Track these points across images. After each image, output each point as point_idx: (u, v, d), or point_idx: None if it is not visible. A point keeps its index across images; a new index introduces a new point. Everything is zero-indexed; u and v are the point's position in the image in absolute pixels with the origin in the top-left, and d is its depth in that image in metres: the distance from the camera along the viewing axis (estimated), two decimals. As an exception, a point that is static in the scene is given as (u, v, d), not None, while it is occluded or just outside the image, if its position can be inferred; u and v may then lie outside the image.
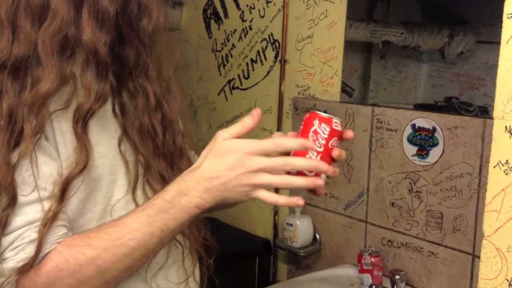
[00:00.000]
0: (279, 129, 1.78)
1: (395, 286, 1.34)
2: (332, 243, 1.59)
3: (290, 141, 0.75)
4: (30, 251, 0.70)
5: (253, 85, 1.88)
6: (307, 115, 0.78)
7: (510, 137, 0.82)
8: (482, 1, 1.70)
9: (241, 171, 0.72)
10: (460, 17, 1.82)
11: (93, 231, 0.74)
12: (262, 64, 1.84)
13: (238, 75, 1.93)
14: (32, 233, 0.71)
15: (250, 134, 2.08)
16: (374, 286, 1.33)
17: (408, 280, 1.36)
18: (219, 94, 2.01)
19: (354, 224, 1.52)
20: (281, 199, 0.74)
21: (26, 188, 0.70)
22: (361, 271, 1.40)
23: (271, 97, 1.80)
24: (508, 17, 0.83)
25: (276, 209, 1.77)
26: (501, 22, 0.85)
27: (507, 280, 0.82)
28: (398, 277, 1.34)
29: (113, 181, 0.79)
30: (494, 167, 0.84)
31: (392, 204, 1.42)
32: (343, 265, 1.52)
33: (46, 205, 0.72)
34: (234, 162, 0.72)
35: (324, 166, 0.74)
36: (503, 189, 0.83)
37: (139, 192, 0.81)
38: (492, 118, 1.22)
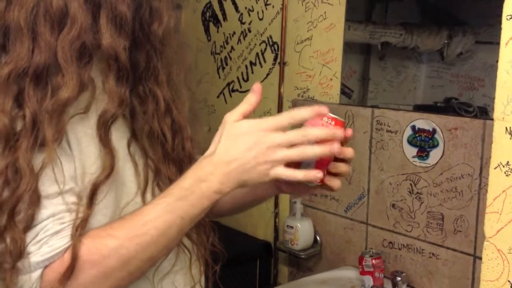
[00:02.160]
0: (278, 131, 1.77)
1: (396, 288, 1.34)
2: (333, 245, 1.58)
3: (303, 110, 0.73)
4: (53, 243, 0.70)
5: (253, 88, 1.88)
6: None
7: (510, 138, 0.82)
8: (481, 2, 1.70)
9: (260, 150, 0.71)
10: (458, 18, 1.82)
11: (115, 222, 0.74)
12: (261, 67, 1.84)
13: (238, 78, 1.93)
14: (55, 226, 0.71)
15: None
16: (375, 288, 1.33)
17: (409, 282, 1.36)
18: (218, 96, 2.01)
19: (355, 226, 1.51)
20: (300, 174, 0.73)
21: (46, 182, 0.71)
22: (362, 273, 1.40)
23: (270, 99, 1.80)
24: (507, 19, 0.83)
25: (276, 211, 1.77)
26: (499, 23, 0.85)
27: (509, 281, 0.82)
28: (399, 278, 1.34)
29: (122, 183, 0.79)
30: (494, 168, 0.84)
31: (393, 205, 1.42)
32: (344, 267, 1.52)
33: (68, 198, 0.72)
34: (252, 142, 0.72)
35: (340, 132, 0.74)
36: (504, 191, 0.82)
37: (148, 195, 0.81)
38: (492, 119, 1.23)
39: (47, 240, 0.70)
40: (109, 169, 0.74)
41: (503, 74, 0.83)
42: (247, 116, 0.75)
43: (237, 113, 0.75)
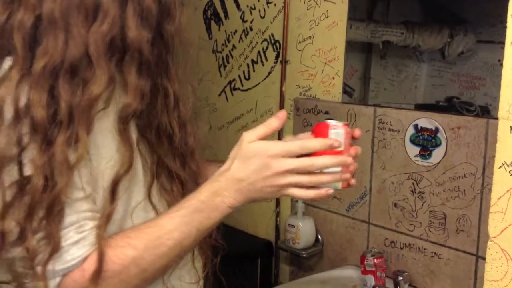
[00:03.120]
0: (280, 130, 1.76)
1: (398, 287, 1.34)
2: (335, 244, 1.58)
3: (314, 142, 0.78)
4: (73, 252, 0.70)
5: (254, 86, 1.87)
6: (316, 125, 0.82)
7: (515, 137, 0.81)
8: (482, 1, 1.70)
9: (268, 173, 0.76)
10: (460, 16, 1.82)
11: (131, 232, 0.76)
12: (263, 65, 1.83)
13: (239, 76, 1.93)
14: (76, 234, 0.71)
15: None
16: (377, 287, 1.32)
17: (411, 281, 1.36)
18: (219, 95, 2.01)
19: (357, 225, 1.51)
20: (310, 193, 0.78)
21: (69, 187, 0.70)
22: (364, 272, 1.40)
23: (272, 98, 1.80)
24: (512, 17, 0.83)
25: (278, 210, 1.76)
26: (501, 22, 0.85)
27: (513, 281, 0.81)
28: (401, 278, 1.34)
29: (130, 181, 0.78)
30: (499, 168, 0.83)
31: (395, 205, 1.42)
32: (345, 267, 1.51)
33: (87, 204, 0.72)
34: (259, 165, 0.76)
35: (349, 159, 0.79)
36: (508, 190, 0.82)
37: (154, 191, 0.81)
38: (495, 118, 1.22)
39: (68, 248, 0.70)
40: (128, 164, 0.74)
41: (508, 72, 0.82)
42: (264, 138, 0.78)
43: (254, 135, 0.78)
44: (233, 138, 1.96)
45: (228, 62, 1.97)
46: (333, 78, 1.62)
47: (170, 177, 0.83)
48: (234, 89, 1.95)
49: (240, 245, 1.77)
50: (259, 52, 1.84)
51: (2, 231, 0.67)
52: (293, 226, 1.58)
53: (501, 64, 1.72)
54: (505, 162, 0.82)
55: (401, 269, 1.37)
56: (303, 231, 1.58)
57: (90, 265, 0.71)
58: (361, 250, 1.45)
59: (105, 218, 0.73)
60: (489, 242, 0.85)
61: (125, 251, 0.73)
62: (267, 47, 1.81)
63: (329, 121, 0.81)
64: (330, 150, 0.78)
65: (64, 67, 0.68)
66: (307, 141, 0.78)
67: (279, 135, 1.76)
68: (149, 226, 0.76)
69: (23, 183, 0.67)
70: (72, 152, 0.68)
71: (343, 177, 0.79)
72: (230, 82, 1.96)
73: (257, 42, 1.85)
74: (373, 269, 1.38)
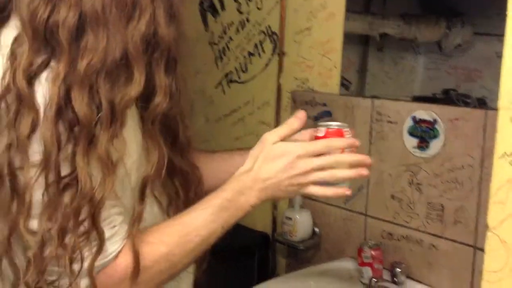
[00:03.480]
0: (277, 122, 1.77)
1: (395, 279, 1.34)
2: (332, 237, 1.58)
3: (339, 141, 0.85)
4: (106, 248, 0.71)
5: (251, 78, 1.86)
6: (327, 131, 0.86)
7: (515, 127, 0.81)
8: (479, -7, 1.69)
9: (294, 173, 0.81)
10: (457, 9, 1.81)
11: (161, 228, 0.77)
12: (260, 57, 1.82)
13: (236, 68, 1.92)
14: (108, 230, 0.71)
15: (249, 128, 2.04)
16: (374, 279, 1.32)
17: (408, 273, 1.35)
18: (216, 87, 2.00)
19: (354, 217, 1.51)
20: (329, 191, 0.84)
21: None
22: (361, 264, 1.40)
23: (269, 90, 1.79)
24: (513, 6, 0.82)
25: (275, 203, 1.76)
26: (497, 14, 0.84)
27: (512, 272, 0.81)
28: (398, 270, 1.34)
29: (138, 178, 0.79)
30: (499, 158, 0.83)
31: (392, 196, 1.41)
32: (342, 259, 1.51)
33: (112, 201, 0.72)
34: (286, 165, 0.81)
35: (368, 159, 0.86)
36: (508, 180, 0.82)
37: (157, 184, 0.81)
38: (494, 109, 1.22)
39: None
40: (160, 164, 0.74)
41: (508, 62, 0.82)
42: (285, 139, 0.83)
43: (277, 135, 0.83)
44: (230, 131, 1.96)
45: (224, 54, 1.96)
46: (330, 70, 1.61)
47: (172, 170, 0.83)
48: (231, 81, 1.94)
49: (237, 237, 1.74)
50: (256, 44, 1.83)
51: (42, 229, 0.66)
52: (290, 218, 1.58)
53: (498, 57, 1.71)
54: (505, 153, 0.82)
55: (399, 261, 1.36)
56: (300, 224, 1.58)
57: (124, 260, 0.72)
58: (358, 242, 1.44)
59: (137, 217, 0.74)
60: (489, 233, 0.85)
61: (157, 247, 0.75)
62: (264, 39, 1.80)
63: (337, 123, 0.88)
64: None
65: (105, 66, 0.67)
66: (332, 140, 0.84)
67: (276, 126, 1.76)
68: (178, 223, 0.78)
69: (66, 181, 0.66)
70: (113, 150, 0.68)
71: (361, 173, 0.84)
72: (226, 75, 1.95)
73: (254, 34, 1.84)
74: (371, 261, 1.38)
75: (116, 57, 0.68)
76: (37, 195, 0.66)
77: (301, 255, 1.65)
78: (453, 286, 1.29)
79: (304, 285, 1.42)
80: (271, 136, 0.83)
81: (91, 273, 0.69)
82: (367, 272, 1.38)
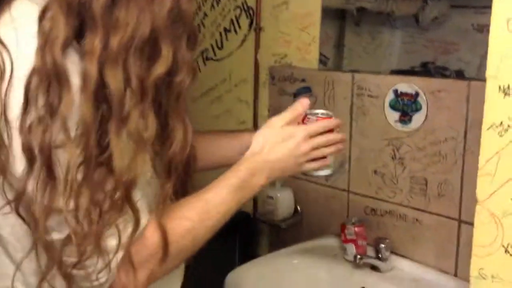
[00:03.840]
0: (256, 99, 1.73)
1: (379, 255, 1.32)
2: (314, 215, 1.55)
3: (333, 121, 0.97)
4: (131, 224, 0.69)
5: (227, 55, 1.81)
6: (318, 118, 0.97)
7: (504, 97, 0.78)
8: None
9: (299, 153, 0.91)
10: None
11: (183, 205, 0.78)
12: (236, 33, 1.77)
13: (211, 45, 1.86)
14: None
15: (227, 106, 1.98)
16: (358, 256, 1.30)
17: (392, 248, 1.34)
18: (191, 65, 1.94)
19: (336, 194, 1.49)
20: (316, 165, 0.96)
21: None
22: (345, 241, 1.38)
23: (246, 66, 1.74)
24: (501, -29, 0.79)
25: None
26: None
27: (503, 246, 0.79)
28: (382, 245, 1.32)
29: None
30: (487, 129, 0.80)
31: (375, 172, 1.39)
32: (326, 236, 1.49)
33: None
34: (293, 147, 0.91)
35: (344, 137, 1.01)
36: (497, 152, 0.79)
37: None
38: (477, 80, 1.20)
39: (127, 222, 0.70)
40: (187, 140, 0.73)
41: (496, 29, 0.79)
42: (292, 122, 0.93)
43: (283, 120, 0.93)
44: (207, 109, 1.91)
45: (199, 31, 1.90)
46: (309, 44, 1.57)
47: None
48: (207, 59, 1.88)
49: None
50: (231, 19, 1.78)
51: (77, 208, 0.64)
52: (272, 197, 1.55)
53: (475, 29, 1.68)
54: (494, 123, 0.80)
55: (383, 237, 1.35)
56: (281, 202, 1.55)
57: (151, 236, 0.72)
58: (341, 219, 1.43)
59: (165, 194, 0.73)
60: (478, 206, 0.83)
61: (182, 222, 0.77)
62: (240, 14, 1.75)
63: (322, 111, 0.98)
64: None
65: (136, 41, 0.66)
66: (327, 121, 0.96)
67: (254, 103, 1.72)
68: (199, 199, 0.80)
69: (101, 159, 0.65)
70: (143, 127, 0.67)
71: (341, 148, 0.98)
72: (202, 52, 1.89)
73: (229, 10, 1.78)
74: (354, 237, 1.36)
75: (146, 32, 0.66)
76: (72, 174, 0.64)
77: (284, 234, 1.62)
78: (438, 260, 1.28)
79: (287, 264, 1.40)
80: (279, 120, 0.92)
81: (127, 249, 0.69)
82: (351, 249, 1.36)
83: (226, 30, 1.80)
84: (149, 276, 0.73)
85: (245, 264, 1.38)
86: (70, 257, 0.66)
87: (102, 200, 0.65)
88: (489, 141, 0.80)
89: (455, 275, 1.24)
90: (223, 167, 0.92)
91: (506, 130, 0.78)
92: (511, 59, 0.77)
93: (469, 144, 1.20)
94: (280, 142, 0.90)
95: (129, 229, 0.69)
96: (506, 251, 0.79)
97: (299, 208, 1.57)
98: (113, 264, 0.69)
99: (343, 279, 1.34)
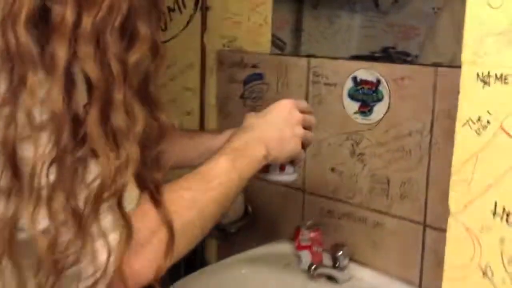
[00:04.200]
0: (202, 87, 1.56)
1: (337, 263, 1.18)
2: (267, 217, 1.40)
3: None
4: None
5: (171, 38, 1.62)
6: None
7: (483, 86, 0.64)
8: None
9: (292, 120, 0.90)
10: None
11: (179, 180, 0.73)
12: (181, 13, 1.59)
13: (154, 27, 1.67)
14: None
15: (172, 95, 1.79)
16: (313, 267, 1.15)
17: (351, 255, 1.20)
18: (133, 49, 1.75)
19: (291, 194, 1.33)
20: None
21: None
22: (299, 247, 1.23)
23: (192, 51, 1.56)
24: None
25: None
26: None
27: (480, 268, 0.65)
28: (340, 252, 1.18)
29: None
30: (463, 125, 0.66)
31: (332, 169, 1.24)
32: (278, 241, 1.34)
33: None
34: (286, 115, 0.90)
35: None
36: (474, 154, 0.65)
37: None
38: (445, 66, 1.06)
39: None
40: (164, 132, 0.68)
41: (475, 6, 0.64)
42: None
43: None
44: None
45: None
46: (260, 25, 1.41)
47: None
48: (149, 42, 1.70)
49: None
50: (175, -2, 1.60)
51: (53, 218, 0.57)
52: (219, 197, 1.39)
53: (435, 12, 1.55)
54: (470, 119, 0.65)
55: (340, 242, 1.20)
56: (230, 202, 1.39)
57: (148, 209, 0.65)
58: (296, 222, 1.28)
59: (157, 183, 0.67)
60: (451, 220, 0.68)
61: (183, 193, 0.71)
62: (184, -8, 1.57)
63: None
64: None
65: (112, 20, 0.60)
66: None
67: (201, 92, 1.56)
68: (197, 172, 0.76)
69: (80, 154, 0.57)
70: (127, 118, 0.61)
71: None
72: (144, 34, 1.71)
73: (173, -14, 1.60)
74: (309, 243, 1.22)
75: (123, 10, 0.61)
76: (44, 174, 0.56)
77: (233, 238, 1.46)
78: (401, 268, 1.14)
79: (235, 274, 1.24)
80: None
81: (119, 264, 0.61)
82: (306, 257, 1.21)
83: (170, 10, 1.62)
84: (156, 260, 0.64)
85: (190, 275, 1.22)
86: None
87: (84, 206, 0.57)
88: (465, 140, 0.66)
89: (419, 286, 1.11)
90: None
91: (485, 127, 0.64)
92: (493, 41, 0.62)
93: (435, 138, 1.06)
94: (269, 112, 0.89)
95: (119, 235, 0.61)
96: (484, 274, 0.65)
97: (249, 209, 1.42)
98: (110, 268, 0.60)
99: (296, 291, 1.19)
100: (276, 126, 0.87)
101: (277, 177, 0.98)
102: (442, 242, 1.05)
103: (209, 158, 0.79)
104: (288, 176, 0.98)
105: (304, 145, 0.94)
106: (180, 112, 1.62)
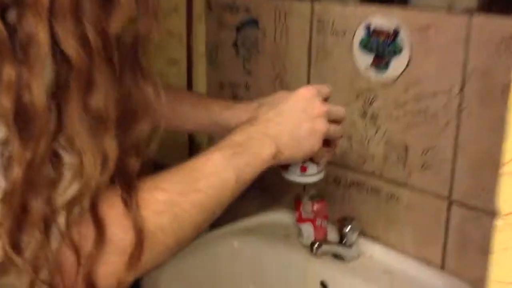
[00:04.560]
0: (189, 34, 1.37)
1: (344, 240, 1.03)
2: (265, 183, 1.25)
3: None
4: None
5: (153, -24, 1.42)
6: None
7: None
8: None
9: (310, 110, 0.77)
10: None
11: (157, 176, 0.62)
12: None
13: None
14: None
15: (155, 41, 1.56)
16: (316, 244, 1.00)
17: (360, 230, 1.05)
18: None
19: (291, 158, 1.17)
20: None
21: None
22: (300, 220, 1.08)
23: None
24: None
25: (193, 139, 1.42)
26: None
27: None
28: (348, 227, 1.03)
29: None
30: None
31: (340, 132, 1.08)
32: (277, 210, 1.20)
33: None
34: (301, 101, 0.78)
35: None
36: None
37: None
38: (480, 13, 0.87)
39: None
40: (160, 112, 0.62)
41: None
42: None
43: None
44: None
45: None
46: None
47: None
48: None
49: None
50: None
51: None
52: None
53: None
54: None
55: (348, 215, 1.06)
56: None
57: (106, 211, 0.56)
58: (297, 189, 1.12)
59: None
60: (499, 222, 0.52)
61: (155, 194, 0.60)
62: None
63: None
64: None
65: None
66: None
67: (188, 39, 1.37)
68: (183, 167, 0.65)
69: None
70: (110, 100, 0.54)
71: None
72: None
73: None
74: (312, 216, 1.07)
75: None
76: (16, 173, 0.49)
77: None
78: (419, 247, 1.00)
79: (227, 247, 1.11)
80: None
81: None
82: (308, 230, 1.07)
83: None
84: (116, 273, 0.55)
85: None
86: None
87: (48, 210, 0.50)
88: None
89: (442, 267, 0.97)
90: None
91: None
92: None
93: (467, 101, 0.89)
94: (284, 98, 0.77)
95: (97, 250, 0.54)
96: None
97: (244, 174, 1.26)
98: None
99: (296, 270, 1.06)
100: (291, 119, 0.74)
101: (297, 178, 0.87)
102: (471, 221, 0.91)
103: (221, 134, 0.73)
104: (311, 177, 0.86)
105: (328, 142, 0.81)
106: (164, 61, 1.44)
